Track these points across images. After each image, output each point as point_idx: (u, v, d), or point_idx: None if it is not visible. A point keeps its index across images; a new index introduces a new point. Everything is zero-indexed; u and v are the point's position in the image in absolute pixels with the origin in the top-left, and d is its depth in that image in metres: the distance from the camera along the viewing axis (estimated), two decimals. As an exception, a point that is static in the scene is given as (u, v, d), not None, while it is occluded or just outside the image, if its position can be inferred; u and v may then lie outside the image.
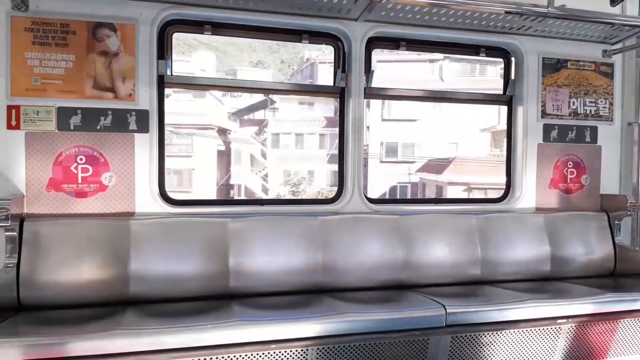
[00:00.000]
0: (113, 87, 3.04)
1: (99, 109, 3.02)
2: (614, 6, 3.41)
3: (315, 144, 24.44)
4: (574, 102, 3.97)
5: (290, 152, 23.63)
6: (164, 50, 3.20)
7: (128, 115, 3.06)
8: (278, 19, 3.32)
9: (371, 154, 22.91)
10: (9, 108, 2.89)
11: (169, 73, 3.21)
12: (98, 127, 3.02)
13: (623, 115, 4.10)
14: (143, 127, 3.09)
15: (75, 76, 2.98)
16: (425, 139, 23.39)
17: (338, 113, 3.65)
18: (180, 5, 3.12)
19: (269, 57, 33.41)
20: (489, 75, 25.00)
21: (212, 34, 3.36)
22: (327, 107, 24.85)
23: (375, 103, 22.97)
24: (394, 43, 3.70)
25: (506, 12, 3.23)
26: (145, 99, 3.09)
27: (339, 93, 3.58)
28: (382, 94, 3.82)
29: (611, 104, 4.07)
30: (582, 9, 3.30)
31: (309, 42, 3.55)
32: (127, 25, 3.05)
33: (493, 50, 3.91)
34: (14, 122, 2.90)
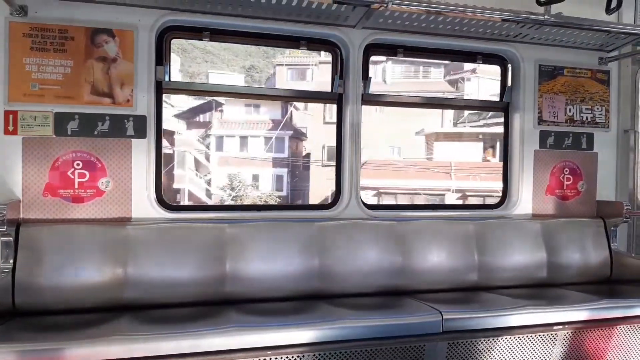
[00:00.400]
0: (111, 93, 3.04)
1: (96, 115, 3.02)
2: (610, 14, 3.43)
3: (260, 147, 23.58)
4: (570, 109, 3.99)
5: (235, 155, 23.01)
6: (162, 56, 3.21)
7: (125, 120, 3.06)
8: (276, 25, 3.33)
9: (313, 160, 21.81)
10: (7, 113, 2.89)
11: (167, 79, 3.21)
12: (95, 133, 3.02)
13: (619, 122, 4.13)
14: (140, 133, 3.09)
15: (73, 82, 2.98)
16: (366, 142, 22.87)
17: (336, 119, 3.66)
18: (178, 12, 3.13)
19: (264, 61, 33.41)
20: (432, 78, 24.82)
21: (210, 40, 3.39)
22: (273, 109, 24.21)
23: (317, 105, 21.17)
24: (391, 50, 3.73)
25: (503, 20, 3.25)
26: (143, 104, 3.09)
27: (337, 99, 3.59)
28: (379, 100, 3.84)
29: (607, 111, 4.09)
30: (579, 16, 3.33)
31: (307, 49, 3.58)
32: (126, 31, 3.05)
33: (490, 57, 3.94)
34: (11, 128, 2.90)
